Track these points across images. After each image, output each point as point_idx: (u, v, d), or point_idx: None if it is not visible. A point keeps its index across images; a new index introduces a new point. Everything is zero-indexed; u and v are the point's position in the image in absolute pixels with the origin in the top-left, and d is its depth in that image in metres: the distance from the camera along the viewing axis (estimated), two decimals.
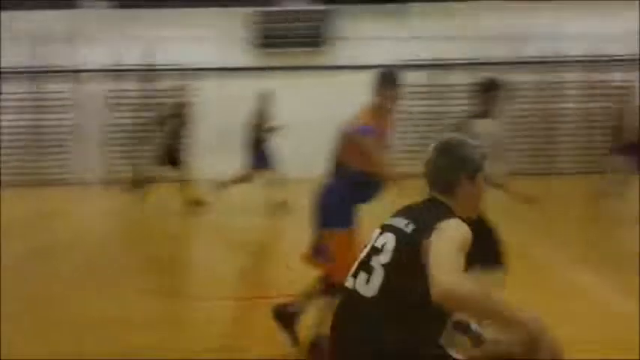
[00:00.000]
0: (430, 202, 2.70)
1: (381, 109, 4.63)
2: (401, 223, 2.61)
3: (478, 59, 13.94)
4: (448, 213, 2.59)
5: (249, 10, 13.98)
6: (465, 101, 13.79)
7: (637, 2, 13.79)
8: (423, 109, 14.41)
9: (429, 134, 14.31)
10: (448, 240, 2.40)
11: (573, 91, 14.46)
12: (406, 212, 2.69)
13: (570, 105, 14.49)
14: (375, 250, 2.62)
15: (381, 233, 2.66)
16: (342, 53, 14.21)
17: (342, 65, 14.09)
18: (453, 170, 2.66)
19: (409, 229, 2.57)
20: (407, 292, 2.49)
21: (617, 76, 14.10)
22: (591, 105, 14.19)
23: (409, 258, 2.51)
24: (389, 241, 2.59)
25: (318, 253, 4.59)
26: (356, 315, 2.58)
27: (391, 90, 4.63)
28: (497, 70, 14.05)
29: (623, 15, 13.97)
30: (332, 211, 4.50)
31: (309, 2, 14.25)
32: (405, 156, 14.16)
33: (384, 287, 2.52)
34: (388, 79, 4.63)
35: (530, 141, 14.49)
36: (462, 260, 2.36)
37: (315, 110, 12.85)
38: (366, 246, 2.72)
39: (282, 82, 13.99)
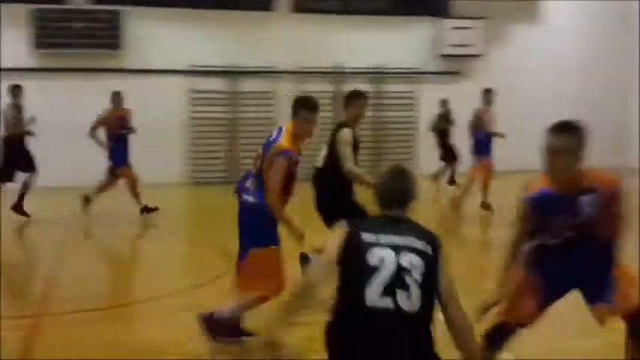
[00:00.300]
0: (404, 219, 3.04)
1: (300, 134, 4.70)
2: (417, 243, 2.90)
3: (272, 67, 14.31)
4: (428, 230, 3.03)
5: (31, 7, 13.08)
6: (262, 108, 14.43)
7: (422, 18, 15.02)
8: (221, 115, 14.39)
9: (223, 140, 14.42)
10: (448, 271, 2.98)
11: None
12: (409, 231, 2.96)
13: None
14: (405, 270, 2.83)
15: (397, 253, 2.85)
16: (136, 57, 13.75)
17: (131, 69, 13.66)
18: (413, 189, 3.08)
19: (429, 250, 2.91)
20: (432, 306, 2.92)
21: (401, 88, 15.10)
22: (379, 114, 15.03)
23: (434, 277, 2.89)
24: (414, 260, 2.85)
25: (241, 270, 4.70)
26: (403, 329, 2.81)
27: (312, 115, 4.73)
28: (290, 78, 14.63)
29: (408, 30, 15.13)
30: (255, 230, 4.64)
31: (95, 2, 13.64)
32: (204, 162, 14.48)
33: (422, 303, 2.84)
34: (308, 104, 4.75)
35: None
36: None
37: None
38: (374, 266, 2.84)
39: (68, 85, 13.33)
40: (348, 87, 14.36)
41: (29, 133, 9.65)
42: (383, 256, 2.83)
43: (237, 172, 14.35)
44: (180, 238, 9.07)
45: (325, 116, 14.59)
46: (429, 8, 15.46)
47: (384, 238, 2.89)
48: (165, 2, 13.97)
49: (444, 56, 15.33)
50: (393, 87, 15.06)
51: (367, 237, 2.89)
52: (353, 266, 2.86)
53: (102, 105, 10.17)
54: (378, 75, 14.96)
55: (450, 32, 15.15)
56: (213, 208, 11.29)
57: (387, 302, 2.78)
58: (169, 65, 13.88)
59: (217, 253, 7.08)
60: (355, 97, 5.99)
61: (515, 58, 15.47)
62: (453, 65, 15.46)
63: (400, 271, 2.81)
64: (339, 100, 10.01)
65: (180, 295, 5.85)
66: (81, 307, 5.47)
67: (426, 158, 13.70)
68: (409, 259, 2.84)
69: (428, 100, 14.26)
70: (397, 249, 2.85)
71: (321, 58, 14.61)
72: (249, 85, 14.44)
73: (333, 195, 5.73)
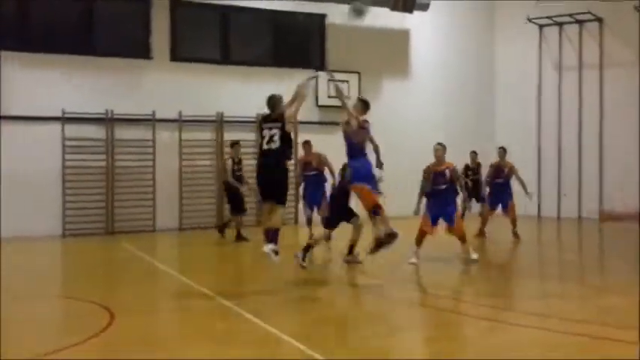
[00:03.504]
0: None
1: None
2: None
3: (150, 115, 14.27)
4: None
5: None
6: (141, 156, 14.26)
7: (300, 70, 15.53)
8: (98, 163, 14.08)
9: (100, 190, 14.10)
10: None
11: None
12: None
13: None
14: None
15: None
16: (6, 103, 13.27)
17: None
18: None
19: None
20: None
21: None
22: None
23: None
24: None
25: None
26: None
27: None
28: (170, 127, 14.64)
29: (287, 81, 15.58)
30: None
31: None
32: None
33: None
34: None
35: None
36: None
37: None
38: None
39: None
40: (229, 135, 14.72)
41: None
42: None
43: (114, 221, 14.08)
44: (57, 294, 8.74)
45: (206, 164, 14.87)
46: (307, 61, 16.11)
47: None
48: (39, 48, 13.65)
49: (322, 107, 15.93)
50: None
51: None
52: None
53: None
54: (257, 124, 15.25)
55: (326, 84, 15.79)
56: (91, 260, 10.98)
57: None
58: (43, 112, 13.52)
59: (97, 308, 6.92)
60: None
61: (387, 110, 16.37)
62: (330, 116, 16.06)
63: None
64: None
65: (58, 354, 5.67)
66: None
67: None
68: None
69: None
70: None
71: (202, 107, 14.75)
72: (127, 132, 14.27)
73: None
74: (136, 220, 14.17)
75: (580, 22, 16.97)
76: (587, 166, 16.67)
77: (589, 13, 16.52)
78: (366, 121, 8.69)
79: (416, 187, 10.00)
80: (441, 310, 7.23)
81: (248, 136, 14.65)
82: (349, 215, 9.69)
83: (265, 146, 7.74)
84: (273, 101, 7.97)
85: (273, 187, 7.79)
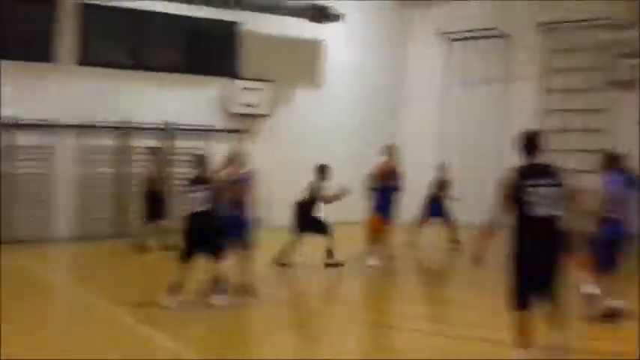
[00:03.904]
0: None
1: None
2: None
3: (52, 121, 13.76)
4: None
5: None
6: (41, 163, 13.68)
7: (212, 78, 15.40)
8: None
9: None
10: None
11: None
12: None
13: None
14: None
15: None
16: None
17: None
18: None
19: None
20: None
21: (190, 144, 15.19)
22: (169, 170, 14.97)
23: None
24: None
25: None
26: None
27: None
28: (73, 133, 14.11)
29: (198, 88, 15.43)
30: None
31: None
32: None
33: None
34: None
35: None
36: None
37: None
38: None
39: None
40: (137, 142, 14.40)
41: None
42: None
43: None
44: None
45: (106, 172, 14.41)
46: (220, 68, 15.98)
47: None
48: None
49: (233, 115, 15.83)
50: (182, 143, 15.12)
51: None
52: None
53: None
54: (167, 131, 15.00)
55: (239, 92, 15.75)
56: None
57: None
58: None
59: None
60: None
61: (299, 119, 16.49)
62: (241, 124, 16.01)
63: None
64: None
65: None
66: None
67: None
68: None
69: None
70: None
71: (108, 113, 14.36)
72: (25, 139, 13.67)
73: None
74: (31, 228, 13.56)
75: (488, 38, 17.57)
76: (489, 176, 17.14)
77: (496, 29, 17.13)
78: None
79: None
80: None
81: (156, 144, 14.36)
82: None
83: None
84: None
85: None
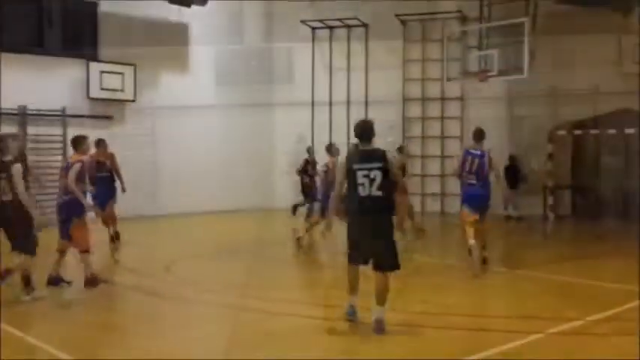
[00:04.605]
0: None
1: None
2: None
3: None
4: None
5: None
6: None
7: (71, 60, 14.68)
8: None
9: None
10: None
11: None
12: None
13: None
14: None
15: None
16: None
17: None
18: None
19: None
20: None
21: (48, 130, 14.50)
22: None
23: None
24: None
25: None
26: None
27: None
28: None
29: (56, 71, 14.68)
30: None
31: None
32: None
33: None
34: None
35: None
36: None
37: None
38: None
39: None
40: None
41: None
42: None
43: None
44: None
45: None
46: (78, 50, 15.25)
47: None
48: None
49: (94, 99, 15.25)
50: (39, 129, 14.37)
51: None
52: None
53: None
54: (23, 116, 14.18)
55: (100, 76, 15.19)
56: None
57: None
58: None
59: None
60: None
61: (165, 104, 16.18)
62: (104, 109, 15.46)
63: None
64: None
65: None
66: None
67: None
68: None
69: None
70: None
71: None
72: None
73: None
74: None
75: (348, 27, 18.11)
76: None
77: (356, 19, 17.69)
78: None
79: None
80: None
81: (11, 129, 13.57)
82: None
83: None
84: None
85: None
